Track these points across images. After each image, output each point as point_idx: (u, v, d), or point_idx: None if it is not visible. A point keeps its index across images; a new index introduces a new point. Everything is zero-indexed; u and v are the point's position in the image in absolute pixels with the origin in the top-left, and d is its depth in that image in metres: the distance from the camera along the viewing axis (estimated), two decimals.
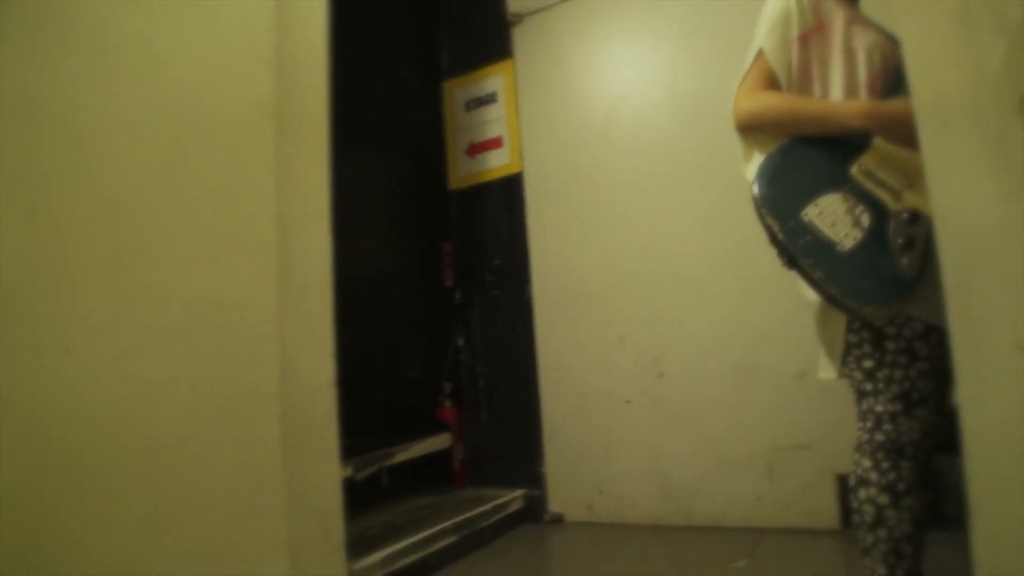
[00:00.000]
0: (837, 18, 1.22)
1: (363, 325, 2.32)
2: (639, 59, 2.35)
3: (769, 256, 2.06)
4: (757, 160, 1.21)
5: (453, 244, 2.66)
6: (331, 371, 1.02)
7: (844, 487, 1.95)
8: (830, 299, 1.08)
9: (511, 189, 2.54)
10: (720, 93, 2.16)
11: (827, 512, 1.97)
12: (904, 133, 1.08)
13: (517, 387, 2.47)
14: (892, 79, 1.16)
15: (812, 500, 1.99)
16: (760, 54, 1.21)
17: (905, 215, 1.08)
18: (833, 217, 1.09)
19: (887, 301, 1.04)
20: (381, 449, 2.19)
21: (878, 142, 1.14)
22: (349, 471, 2.01)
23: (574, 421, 2.36)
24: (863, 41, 1.20)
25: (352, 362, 1.24)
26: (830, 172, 1.14)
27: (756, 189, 1.14)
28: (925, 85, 0.87)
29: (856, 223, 1.08)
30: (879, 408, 1.12)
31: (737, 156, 2.10)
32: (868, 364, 1.14)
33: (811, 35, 1.20)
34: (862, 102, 1.15)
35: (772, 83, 1.20)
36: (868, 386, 1.14)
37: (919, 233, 1.06)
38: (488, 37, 2.60)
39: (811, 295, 1.16)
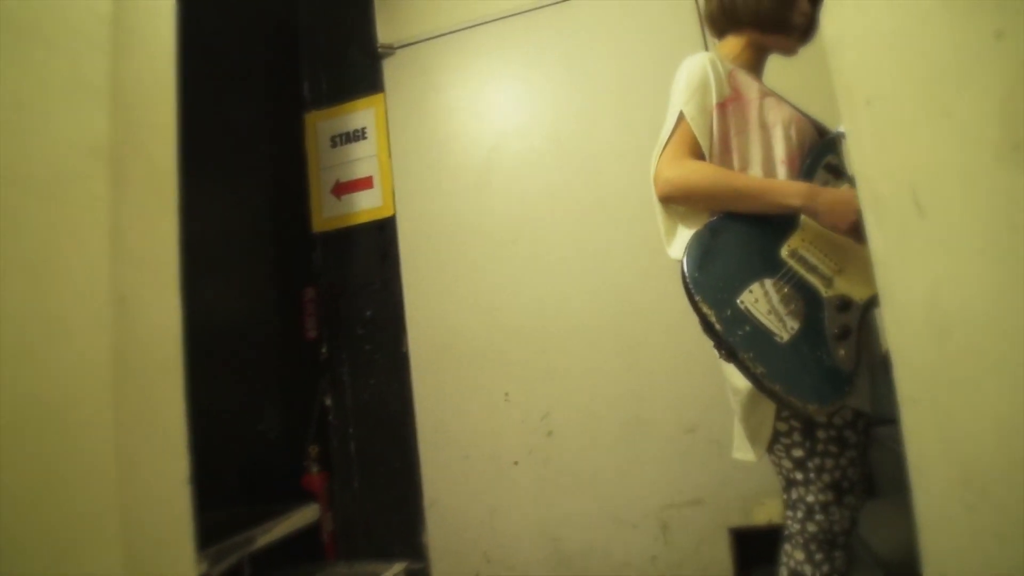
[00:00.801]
0: (752, 90, 1.19)
1: (212, 383, 2.01)
2: (521, 102, 2.29)
3: (656, 308, 2.09)
4: (683, 236, 1.14)
5: (318, 292, 2.41)
6: (184, 470, 0.79)
7: (738, 541, 1.95)
8: (772, 395, 1.01)
9: (384, 234, 2.36)
10: (608, 144, 2.19)
11: (722, 567, 1.96)
12: (841, 220, 1.06)
13: (393, 450, 2.26)
14: (810, 156, 1.15)
15: (707, 556, 1.97)
16: (682, 119, 1.14)
17: (838, 302, 1.05)
18: (769, 305, 1.04)
19: (831, 399, 0.99)
20: (241, 532, 1.88)
21: (807, 223, 1.11)
22: (204, 566, 1.70)
23: (457, 485, 2.19)
24: (779, 115, 1.18)
25: (201, 426, 0.99)
26: (762, 255, 1.09)
27: (687, 272, 1.06)
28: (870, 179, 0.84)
29: (791, 312, 1.04)
30: (810, 498, 1.08)
31: (630, 212, 2.13)
32: (798, 453, 1.09)
33: (728, 104, 1.16)
34: (802, 183, 1.11)
35: (696, 151, 1.14)
36: (799, 475, 1.10)
37: (853, 321, 1.04)
38: (356, 68, 2.42)
39: (740, 383, 1.09)
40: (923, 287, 0.68)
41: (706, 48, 2.18)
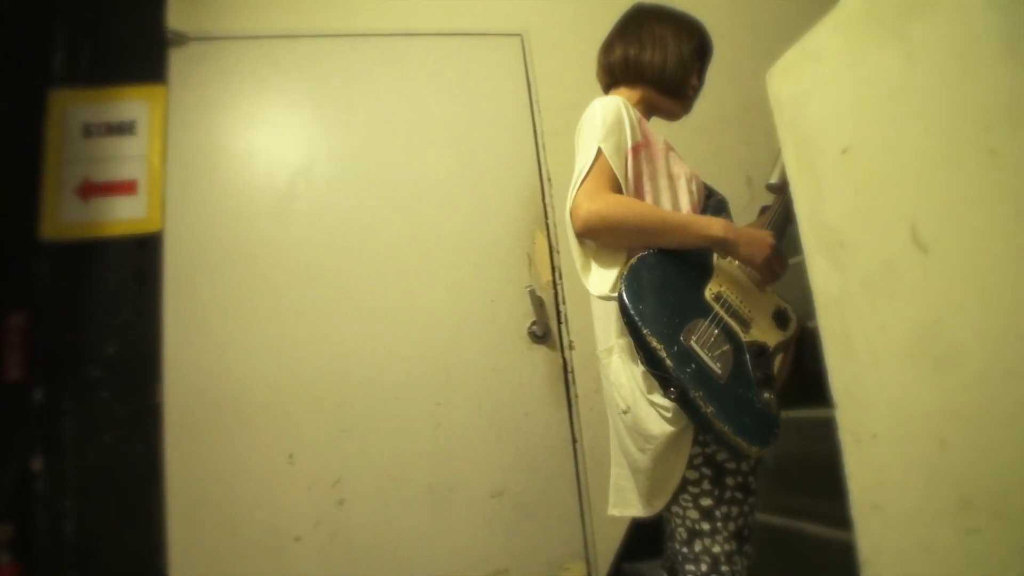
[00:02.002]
0: (659, 140, 1.25)
1: None
2: (339, 128, 2.13)
3: (466, 364, 2.02)
4: (599, 273, 1.11)
5: (31, 318, 1.85)
6: None
7: None
8: (718, 435, 1.00)
9: (144, 252, 1.93)
10: (432, 185, 2.12)
11: None
12: (759, 252, 1.13)
13: (131, 530, 1.77)
14: (709, 212, 1.23)
15: None
16: (600, 154, 1.14)
17: (756, 348, 1.09)
18: (705, 344, 1.05)
19: (767, 440, 1.02)
20: None
21: (720, 269, 1.16)
22: None
23: (220, 571, 1.78)
24: (682, 169, 1.25)
25: None
26: (689, 295, 1.11)
27: (630, 305, 1.03)
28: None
29: (723, 353, 1.06)
30: (716, 549, 1.07)
31: (450, 260, 2.06)
32: (707, 502, 1.09)
33: (640, 149, 1.19)
34: (719, 218, 1.16)
35: (615, 187, 1.13)
36: (705, 526, 1.09)
37: (771, 367, 1.09)
38: (133, 48, 2.03)
39: (656, 430, 1.07)
40: (923, 321, 0.73)
41: (530, 94, 2.29)
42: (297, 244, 2.01)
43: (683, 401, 0.99)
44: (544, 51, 2.33)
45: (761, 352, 1.09)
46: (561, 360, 2.11)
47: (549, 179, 2.25)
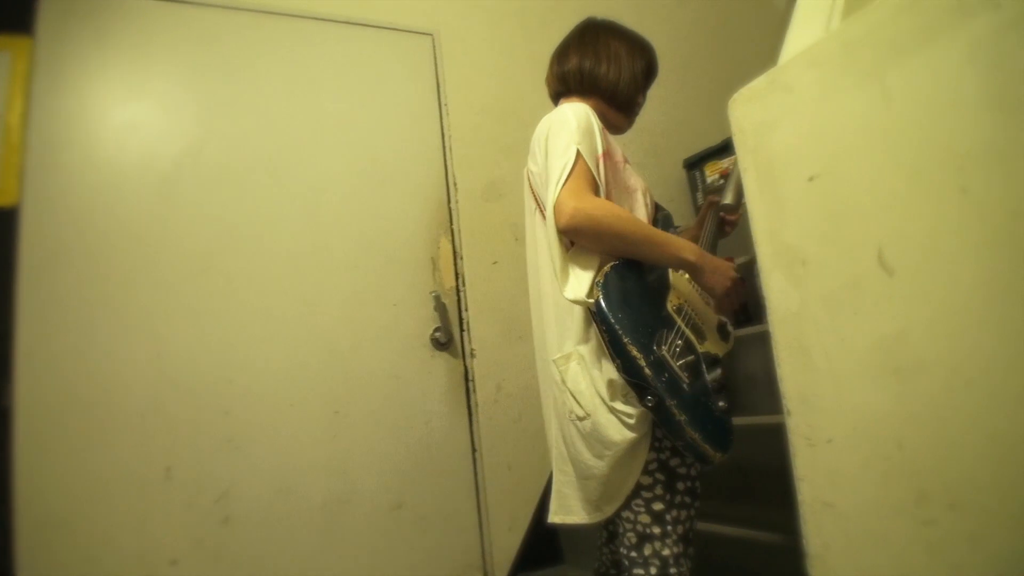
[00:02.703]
0: (618, 152, 1.29)
1: None
2: (230, 109, 1.98)
3: (366, 370, 1.95)
4: (577, 276, 1.13)
5: None
6: None
7: None
8: (688, 442, 1.05)
9: None
10: (334, 181, 2.02)
11: None
12: (722, 282, 1.20)
13: None
14: (659, 227, 1.30)
15: None
16: (579, 156, 1.16)
17: (710, 359, 1.17)
18: (673, 354, 1.10)
19: (728, 447, 1.08)
20: None
21: (677, 284, 1.22)
22: None
23: None
24: (638, 182, 1.31)
25: None
26: (655, 306, 1.15)
27: (609, 313, 1.05)
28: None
29: (687, 364, 1.12)
30: (666, 552, 1.13)
31: (350, 260, 1.98)
32: (659, 507, 1.14)
33: (606, 158, 1.23)
34: (691, 243, 1.22)
35: (596, 190, 1.17)
36: (656, 529, 1.13)
37: (723, 376, 1.16)
38: None
39: (617, 436, 1.11)
40: (886, 334, 0.83)
41: (439, 96, 2.27)
42: (183, 232, 1.85)
43: (659, 409, 1.03)
44: (455, 53, 2.33)
45: (715, 362, 1.16)
46: (463, 368, 2.11)
47: (455, 184, 2.24)
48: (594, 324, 1.14)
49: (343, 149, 2.10)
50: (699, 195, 2.76)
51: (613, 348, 1.06)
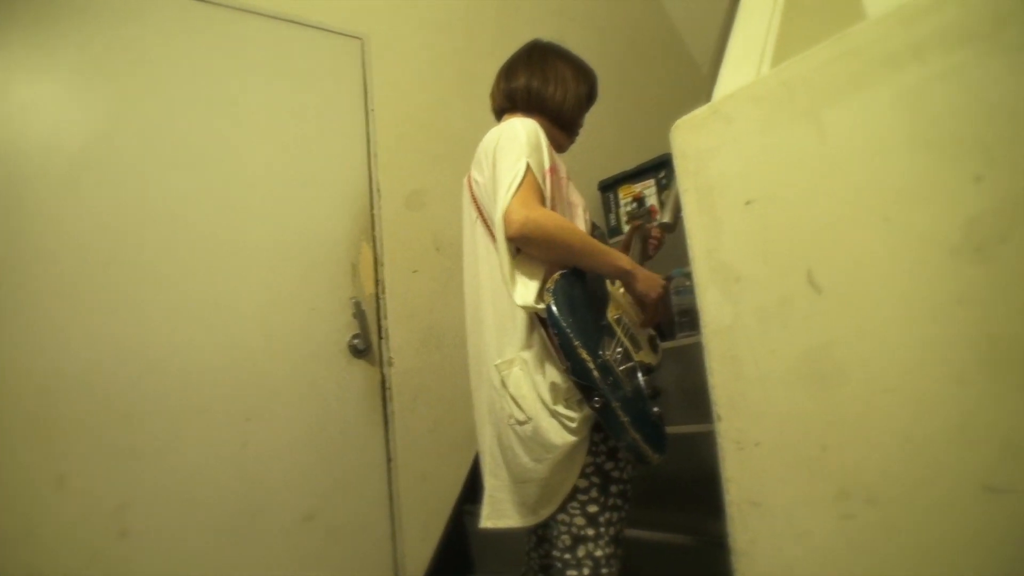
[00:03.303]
0: (562, 168, 1.35)
1: None
2: (146, 97, 1.90)
3: (279, 375, 1.89)
4: (527, 284, 1.17)
5: None
6: None
7: None
8: (631, 444, 1.10)
9: None
10: (249, 175, 1.95)
11: None
12: (653, 291, 1.27)
13: None
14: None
15: None
16: (529, 169, 1.21)
17: (644, 367, 1.23)
18: (615, 361, 1.15)
19: (664, 450, 1.14)
20: None
21: (614, 296, 1.28)
22: None
23: None
24: (579, 199, 1.37)
25: None
26: (598, 315, 1.20)
27: (561, 316, 1.09)
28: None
29: (626, 370, 1.17)
30: (598, 553, 1.17)
31: (266, 260, 1.92)
32: (593, 509, 1.18)
33: (552, 173, 1.28)
34: (627, 256, 1.28)
35: (543, 202, 1.21)
36: (590, 531, 1.18)
37: (656, 384, 1.23)
38: None
39: (558, 439, 1.15)
40: (812, 346, 0.92)
41: (366, 101, 2.26)
42: (88, 222, 1.74)
43: (604, 410, 1.08)
44: (384, 60, 2.33)
45: (649, 371, 1.23)
46: (380, 376, 2.09)
47: (379, 191, 2.23)
48: (540, 329, 1.18)
49: (265, 146, 2.04)
50: (612, 216, 2.88)
51: (564, 351, 1.11)
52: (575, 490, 1.20)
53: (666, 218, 1.22)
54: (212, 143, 1.96)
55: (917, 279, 0.82)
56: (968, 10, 0.79)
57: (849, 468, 0.87)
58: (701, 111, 1.11)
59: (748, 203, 1.02)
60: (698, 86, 3.96)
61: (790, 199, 0.97)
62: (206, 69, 1.99)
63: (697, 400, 2.04)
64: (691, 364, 2.07)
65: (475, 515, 1.36)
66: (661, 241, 1.60)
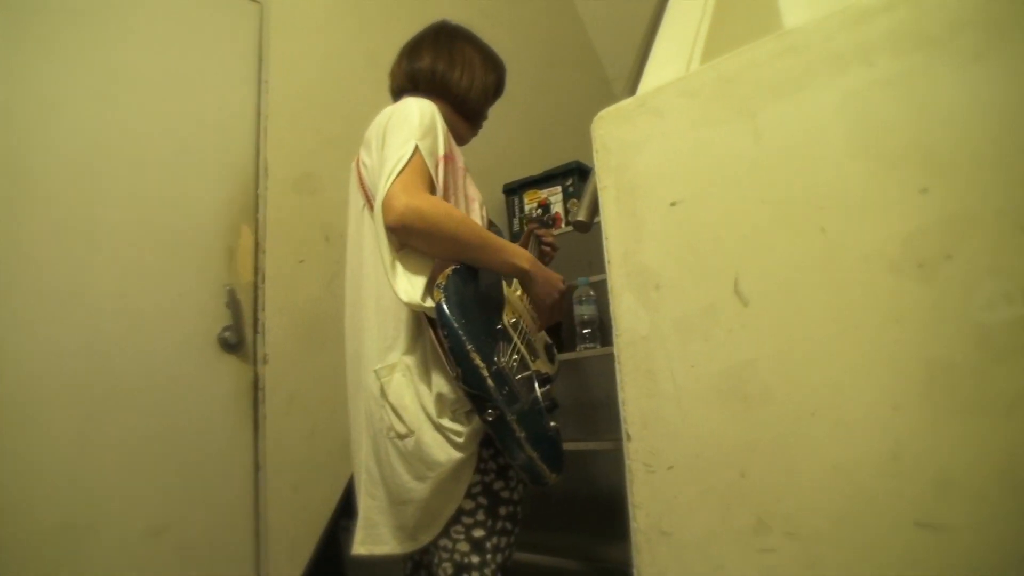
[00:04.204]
0: (460, 159, 1.23)
1: None
2: (29, 64, 1.60)
3: (131, 371, 1.64)
4: (410, 279, 1.03)
5: None
6: None
7: None
8: (526, 462, 0.97)
9: None
10: (114, 136, 1.70)
11: None
12: (552, 292, 1.16)
13: None
14: None
15: None
16: (417, 152, 1.07)
17: (541, 377, 1.11)
18: (510, 369, 1.03)
19: (560, 468, 1.03)
20: None
21: (510, 299, 1.16)
22: None
23: None
24: (476, 192, 1.25)
25: None
26: (493, 318, 1.08)
27: (453, 318, 0.96)
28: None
29: (523, 379, 1.05)
30: None
31: (131, 239, 1.68)
32: (479, 533, 1.06)
33: (447, 162, 1.16)
34: (525, 250, 1.16)
35: (431, 188, 1.07)
36: (475, 559, 1.05)
37: (553, 396, 1.12)
38: None
39: (442, 456, 1.01)
40: (735, 362, 0.85)
41: (260, 71, 2.05)
42: None
43: (498, 424, 0.96)
44: (284, 30, 2.13)
45: (546, 382, 1.12)
46: (252, 375, 1.89)
47: (266, 170, 2.03)
48: (428, 331, 1.05)
49: (135, 108, 1.79)
50: (516, 220, 2.80)
51: (455, 355, 0.98)
52: (460, 512, 1.08)
53: (581, 216, 1.13)
54: (74, 99, 1.68)
55: (852, 295, 0.76)
56: (922, 13, 0.74)
57: (770, 497, 0.80)
58: (627, 102, 1.03)
59: (673, 204, 0.94)
60: (607, 98, 3.97)
61: (719, 202, 0.90)
62: (71, 14, 1.72)
63: (593, 415, 1.97)
64: (588, 377, 2.00)
65: (351, 531, 1.21)
66: (555, 248, 1.52)
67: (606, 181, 1.03)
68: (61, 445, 1.53)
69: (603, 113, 1.05)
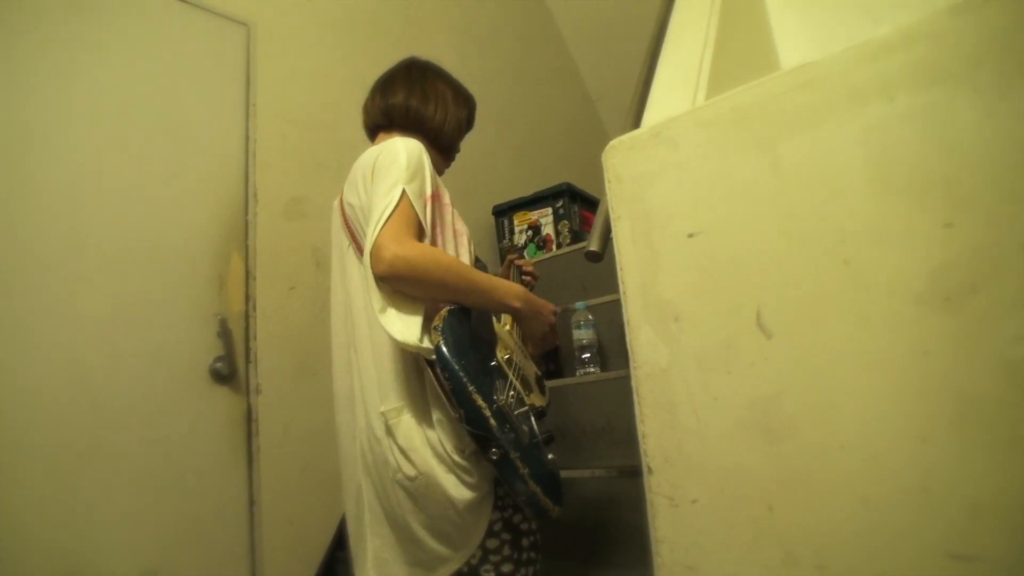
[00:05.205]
0: (446, 194, 1.24)
1: None
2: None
3: (122, 407, 1.61)
4: (404, 320, 1.03)
5: None
6: None
7: None
8: (530, 497, 0.97)
9: None
10: (99, 163, 1.67)
11: None
12: (543, 326, 1.17)
13: None
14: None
15: None
16: (404, 196, 1.08)
17: (536, 411, 1.13)
18: (509, 406, 1.03)
19: (561, 499, 1.03)
20: None
21: (501, 335, 1.17)
22: None
23: None
24: (463, 227, 1.27)
25: None
26: (488, 356, 1.09)
27: (452, 358, 0.96)
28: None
29: (521, 415, 1.06)
30: None
31: (120, 269, 1.65)
32: (508, 568, 1.07)
33: (435, 200, 1.17)
34: (518, 286, 1.18)
35: (419, 233, 1.09)
36: None
37: (547, 429, 1.13)
38: None
39: (457, 494, 1.01)
40: (760, 395, 0.86)
41: (248, 95, 2.04)
42: None
43: (502, 463, 0.96)
44: (271, 53, 2.13)
45: (541, 415, 1.14)
46: (245, 406, 1.86)
47: (255, 196, 2.02)
48: (427, 372, 1.05)
49: (123, 133, 1.77)
50: (505, 242, 2.81)
51: (457, 398, 0.98)
52: (486, 551, 1.08)
53: (593, 246, 1.14)
54: (58, 122, 1.67)
55: (878, 327, 0.78)
56: (940, 49, 0.76)
57: (798, 531, 0.81)
58: (640, 132, 1.04)
59: (691, 235, 0.95)
60: (593, 121, 4.01)
61: (739, 233, 0.91)
62: (61, 39, 1.70)
63: (594, 441, 1.97)
64: (589, 402, 2.01)
65: (347, 563, 1.20)
66: (535, 276, 1.54)
67: (620, 211, 1.04)
68: (49, 487, 1.50)
69: (614, 143, 1.06)
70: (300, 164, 2.15)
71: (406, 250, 1.05)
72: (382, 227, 1.06)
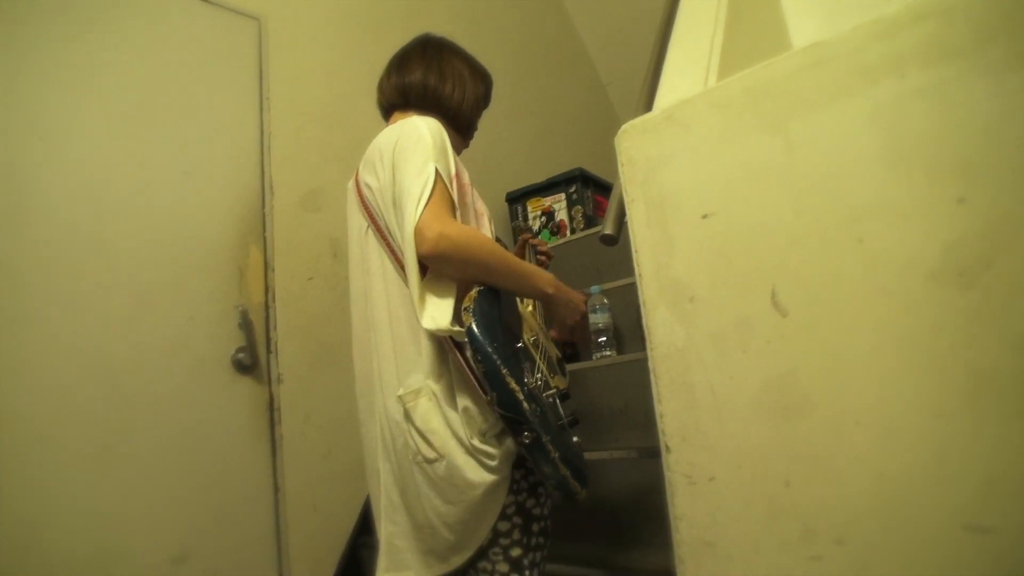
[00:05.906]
0: (466, 175, 1.24)
1: None
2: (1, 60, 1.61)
3: (146, 398, 1.65)
4: (438, 305, 1.04)
5: None
6: None
7: None
8: (559, 480, 0.99)
9: None
10: (121, 158, 1.71)
11: None
12: (574, 315, 1.18)
13: None
14: None
15: None
16: (439, 176, 1.08)
17: (560, 393, 1.13)
18: (538, 389, 1.05)
19: (587, 481, 1.05)
20: None
21: (525, 316, 1.18)
22: None
23: None
24: (483, 207, 1.26)
25: None
26: (513, 338, 1.09)
27: (485, 343, 0.97)
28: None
29: (549, 397, 1.07)
30: None
31: (140, 263, 1.68)
32: (516, 552, 1.08)
33: (456, 180, 1.17)
34: (550, 274, 1.18)
35: (454, 212, 1.09)
36: None
37: (572, 411, 1.14)
38: None
39: (476, 477, 1.03)
40: (775, 373, 0.87)
41: (261, 88, 2.06)
42: None
43: (534, 446, 0.98)
44: (283, 45, 2.15)
45: (565, 397, 1.15)
46: (267, 395, 1.90)
47: (272, 188, 2.05)
48: (452, 354, 1.06)
49: (141, 128, 1.80)
50: (520, 222, 2.83)
51: (490, 379, 0.99)
52: (497, 534, 1.09)
53: (608, 230, 1.15)
54: (78, 118, 1.70)
55: (893, 304, 0.79)
56: (951, 25, 0.77)
57: (815, 506, 0.82)
58: (653, 115, 1.05)
59: (705, 216, 0.96)
60: (604, 106, 4.00)
61: (753, 214, 0.92)
62: (73, 37, 1.73)
63: (611, 424, 2.00)
64: (606, 385, 2.02)
65: (371, 548, 1.22)
66: (550, 256, 1.53)
67: (634, 194, 1.05)
68: (82, 476, 1.54)
69: (627, 126, 1.07)
70: (315, 156, 2.18)
71: (450, 230, 1.05)
72: (424, 206, 1.05)
